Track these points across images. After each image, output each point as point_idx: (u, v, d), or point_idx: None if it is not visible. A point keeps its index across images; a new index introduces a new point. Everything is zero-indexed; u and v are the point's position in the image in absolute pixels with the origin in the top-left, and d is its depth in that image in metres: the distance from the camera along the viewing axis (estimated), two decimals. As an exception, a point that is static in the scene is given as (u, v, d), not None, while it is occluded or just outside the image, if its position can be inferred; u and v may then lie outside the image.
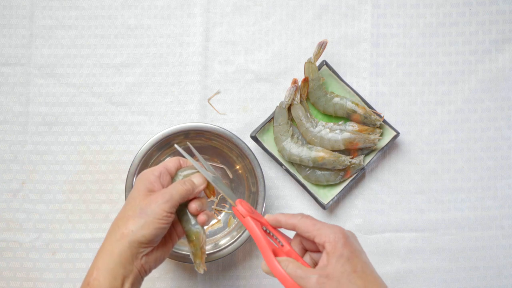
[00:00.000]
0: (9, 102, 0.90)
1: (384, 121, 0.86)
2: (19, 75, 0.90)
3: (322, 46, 0.86)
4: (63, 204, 0.89)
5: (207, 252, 0.82)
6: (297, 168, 0.88)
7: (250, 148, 0.83)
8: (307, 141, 0.87)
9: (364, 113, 0.85)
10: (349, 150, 0.87)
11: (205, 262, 0.82)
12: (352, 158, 0.86)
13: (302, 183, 0.86)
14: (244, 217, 0.69)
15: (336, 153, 0.86)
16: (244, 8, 0.91)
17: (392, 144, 0.89)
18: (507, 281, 0.88)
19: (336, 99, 0.86)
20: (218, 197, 0.88)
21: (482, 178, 0.89)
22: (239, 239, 0.83)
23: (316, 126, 0.87)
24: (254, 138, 0.87)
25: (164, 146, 0.85)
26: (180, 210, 0.72)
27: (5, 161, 0.89)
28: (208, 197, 0.75)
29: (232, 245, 0.83)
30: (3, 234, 0.88)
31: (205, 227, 0.86)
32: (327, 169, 0.86)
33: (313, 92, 0.87)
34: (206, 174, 0.73)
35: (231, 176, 0.88)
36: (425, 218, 0.89)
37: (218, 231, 0.88)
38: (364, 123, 0.86)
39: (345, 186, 0.87)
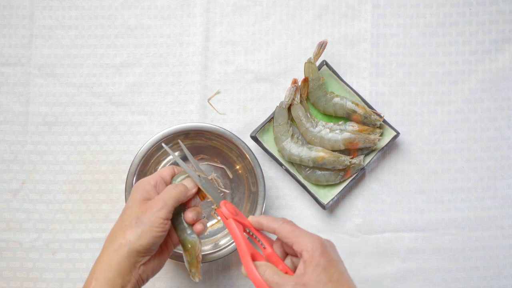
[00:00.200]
0: (9, 102, 0.90)
1: (384, 121, 0.86)
2: (19, 75, 0.90)
3: (322, 46, 0.86)
4: (63, 204, 0.89)
5: (207, 252, 0.82)
6: (297, 168, 0.88)
7: (250, 148, 0.83)
8: (307, 141, 0.87)
9: (364, 113, 0.85)
10: (349, 150, 0.87)
11: (205, 262, 0.82)
12: (352, 158, 0.86)
13: (302, 183, 0.86)
14: (227, 219, 0.69)
15: (336, 153, 0.86)
16: (244, 8, 0.91)
17: (392, 144, 0.89)
18: (507, 281, 0.88)
19: (336, 99, 0.86)
20: (218, 197, 0.88)
21: (482, 178, 0.89)
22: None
23: (316, 126, 0.87)
24: (254, 138, 0.87)
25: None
26: (176, 219, 0.72)
27: (5, 161, 0.89)
28: (201, 200, 0.75)
29: (232, 245, 0.82)
30: (3, 234, 0.88)
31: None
32: (327, 169, 0.86)
33: (313, 92, 0.87)
34: (192, 174, 0.73)
35: (231, 176, 0.88)
36: (425, 218, 0.89)
37: (218, 231, 0.88)
38: (364, 123, 0.86)
39: (345, 186, 0.87)
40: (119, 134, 0.90)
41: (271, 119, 0.87)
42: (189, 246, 0.72)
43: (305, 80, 0.86)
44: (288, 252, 0.68)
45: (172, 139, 0.84)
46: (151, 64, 0.91)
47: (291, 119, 0.88)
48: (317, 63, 0.87)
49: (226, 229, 0.87)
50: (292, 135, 0.87)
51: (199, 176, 0.74)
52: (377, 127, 0.87)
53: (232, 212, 0.70)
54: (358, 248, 0.88)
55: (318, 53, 0.86)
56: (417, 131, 0.90)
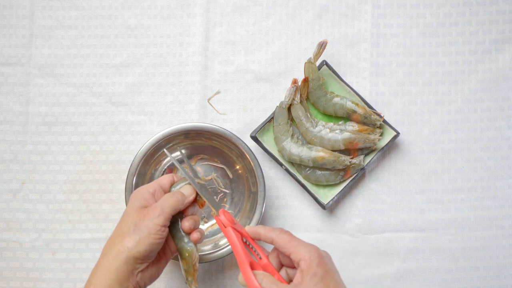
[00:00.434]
0: (9, 102, 0.90)
1: (384, 121, 0.86)
2: (19, 75, 0.90)
3: (322, 46, 0.86)
4: (63, 204, 0.89)
5: (207, 252, 0.82)
6: (297, 168, 0.88)
7: (250, 148, 0.83)
8: (307, 141, 0.87)
9: (364, 113, 0.85)
10: (349, 150, 0.87)
11: (205, 262, 0.82)
12: (352, 158, 0.86)
13: (302, 183, 0.86)
14: (225, 227, 0.70)
15: (336, 153, 0.86)
16: (244, 8, 0.91)
17: (392, 144, 0.89)
18: (507, 281, 0.88)
19: (336, 99, 0.86)
20: (219, 196, 0.88)
21: (482, 178, 0.89)
22: (239, 239, 0.83)
23: (316, 126, 0.87)
24: (254, 138, 0.87)
25: (164, 146, 0.85)
26: (173, 228, 0.73)
27: (5, 161, 0.89)
28: (200, 207, 0.76)
29: (232, 245, 0.83)
30: (3, 234, 0.88)
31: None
32: (327, 169, 0.86)
33: (313, 92, 0.87)
34: (193, 181, 0.74)
35: (231, 176, 0.88)
36: (425, 218, 0.89)
37: (218, 231, 0.88)
38: (364, 123, 0.86)
39: (345, 186, 0.87)
40: (119, 134, 0.90)
41: (271, 119, 0.87)
42: (186, 254, 0.73)
43: (305, 80, 0.86)
44: (284, 263, 0.69)
45: (172, 139, 0.84)
46: (151, 64, 0.91)
47: (291, 119, 0.88)
48: (317, 63, 0.87)
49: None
50: (292, 135, 0.87)
51: (199, 183, 0.74)
52: (377, 127, 0.87)
53: (230, 221, 0.70)
54: (358, 248, 0.88)
55: (318, 53, 0.86)
56: (417, 131, 0.90)
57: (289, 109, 0.87)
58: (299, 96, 0.86)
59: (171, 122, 0.90)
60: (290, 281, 0.67)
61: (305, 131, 0.87)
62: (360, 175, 0.87)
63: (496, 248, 0.88)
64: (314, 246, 0.66)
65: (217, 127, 0.83)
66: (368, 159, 0.87)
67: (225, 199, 0.88)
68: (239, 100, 0.90)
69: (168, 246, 0.73)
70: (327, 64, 0.87)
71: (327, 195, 0.87)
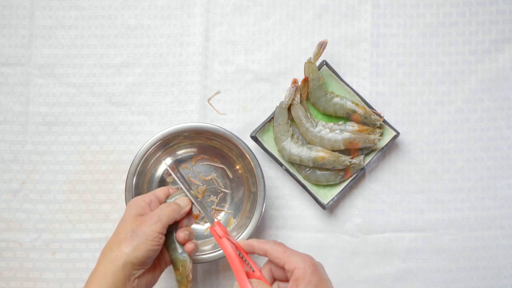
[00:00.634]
0: (9, 102, 0.90)
1: (384, 121, 0.86)
2: (19, 75, 0.90)
3: (322, 46, 0.86)
4: (63, 204, 0.89)
5: (207, 252, 0.82)
6: (297, 168, 0.88)
7: (250, 148, 0.83)
8: (307, 141, 0.87)
9: (364, 113, 0.85)
10: (349, 150, 0.87)
11: (205, 262, 0.82)
12: (352, 158, 0.86)
13: (302, 183, 0.86)
14: (220, 238, 0.72)
15: (336, 153, 0.86)
16: (244, 8, 0.91)
17: (392, 144, 0.89)
18: (507, 281, 0.88)
19: (336, 99, 0.86)
20: (219, 196, 0.88)
21: (482, 178, 0.89)
22: (239, 239, 0.82)
23: (316, 126, 0.87)
24: (254, 138, 0.87)
25: (164, 146, 0.85)
26: (168, 238, 0.74)
27: (5, 161, 0.89)
28: (195, 219, 0.78)
29: (232, 245, 0.83)
30: (3, 234, 0.88)
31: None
32: (327, 169, 0.86)
33: (313, 92, 0.87)
34: (189, 193, 0.77)
35: (231, 176, 0.88)
36: (425, 218, 0.89)
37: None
38: (364, 123, 0.86)
39: (345, 186, 0.87)
40: (119, 134, 0.90)
41: (271, 119, 0.87)
42: (180, 265, 0.74)
43: (305, 80, 0.86)
44: (276, 276, 0.70)
45: (172, 139, 0.84)
46: (151, 64, 0.91)
47: (291, 119, 0.88)
48: (317, 63, 0.87)
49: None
50: (292, 135, 0.87)
51: (195, 197, 0.77)
52: (377, 127, 0.87)
53: (225, 233, 0.73)
54: (358, 248, 0.88)
55: (318, 53, 0.86)
56: (417, 131, 0.90)
57: (289, 109, 0.87)
58: (299, 96, 0.86)
59: (171, 122, 0.90)
60: None
61: (305, 131, 0.87)
62: (360, 175, 0.87)
63: (496, 248, 0.88)
64: (308, 255, 0.67)
65: (217, 127, 0.83)
66: (368, 159, 0.87)
67: (225, 199, 0.88)
68: (239, 100, 0.90)
69: (162, 257, 0.74)
70: (327, 64, 0.87)
71: (327, 195, 0.87)
